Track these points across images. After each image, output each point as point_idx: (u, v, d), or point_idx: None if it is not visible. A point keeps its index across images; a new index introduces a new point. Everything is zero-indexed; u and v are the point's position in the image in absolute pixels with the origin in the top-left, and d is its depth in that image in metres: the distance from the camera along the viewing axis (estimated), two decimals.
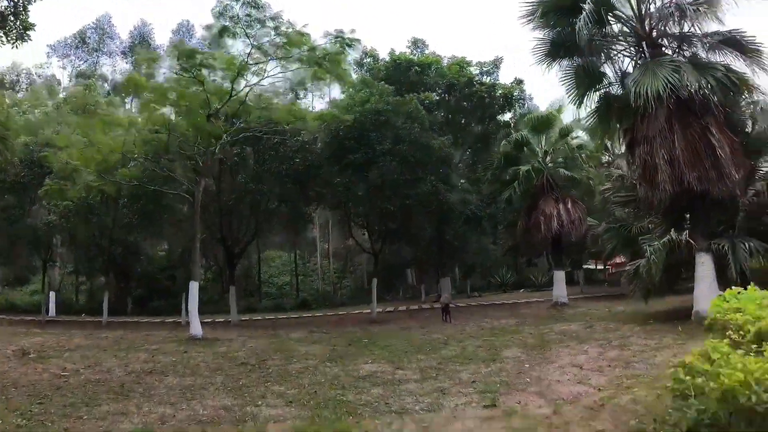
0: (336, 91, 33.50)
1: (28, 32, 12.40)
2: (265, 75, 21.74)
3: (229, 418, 9.24)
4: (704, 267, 15.31)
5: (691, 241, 15.73)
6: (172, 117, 22.82)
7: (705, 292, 14.64)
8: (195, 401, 10.38)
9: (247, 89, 22.21)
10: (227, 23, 20.65)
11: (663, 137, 15.69)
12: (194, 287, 20.38)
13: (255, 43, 20.67)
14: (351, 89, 28.21)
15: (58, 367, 13.79)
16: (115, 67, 45.65)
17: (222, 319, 27.43)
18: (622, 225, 20.37)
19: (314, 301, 39.56)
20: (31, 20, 12.32)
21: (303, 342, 18.27)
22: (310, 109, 31.94)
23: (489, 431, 7.71)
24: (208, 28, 21.39)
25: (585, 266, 41.63)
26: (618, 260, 37.14)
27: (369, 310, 27.84)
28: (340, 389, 11.07)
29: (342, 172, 25.19)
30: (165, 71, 21.65)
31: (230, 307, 27.17)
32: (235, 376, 12.76)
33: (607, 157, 33.62)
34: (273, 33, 20.71)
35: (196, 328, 19.65)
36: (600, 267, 43.72)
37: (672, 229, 16.12)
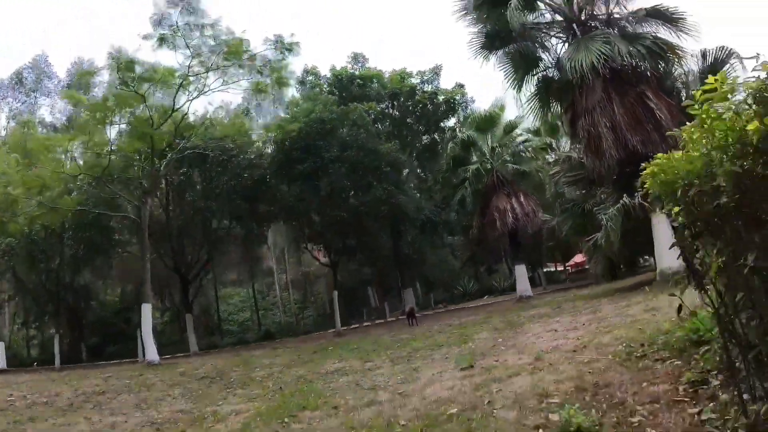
0: (280, 112, 33.06)
1: None
2: (207, 89, 21.16)
3: (186, 419, 8.51)
4: (661, 226, 15.42)
5: (645, 203, 15.85)
6: (114, 139, 21.90)
7: (665, 250, 14.67)
8: (150, 410, 9.64)
9: (189, 103, 21.64)
10: (166, 32, 19.98)
11: (602, 107, 16.05)
12: (146, 309, 19.20)
13: (194, 52, 20.13)
14: (295, 108, 27.92)
15: (5, 395, 12.58)
16: (54, 107, 43.97)
17: (182, 354, 26.06)
18: (575, 203, 20.49)
19: (277, 333, 38.19)
20: None
21: (266, 357, 17.44)
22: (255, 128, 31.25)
23: (470, 384, 7.23)
24: (146, 38, 20.51)
25: (545, 269, 41.92)
26: (577, 260, 37.67)
27: (333, 330, 27.05)
28: (307, 383, 10.49)
29: (291, 184, 24.58)
30: (105, 84, 20.88)
31: (188, 336, 25.74)
32: (195, 389, 11.95)
33: (553, 156, 34.21)
34: (212, 41, 20.28)
35: (152, 354, 18.42)
36: (560, 268, 44.19)
37: (624, 195, 16.25)
